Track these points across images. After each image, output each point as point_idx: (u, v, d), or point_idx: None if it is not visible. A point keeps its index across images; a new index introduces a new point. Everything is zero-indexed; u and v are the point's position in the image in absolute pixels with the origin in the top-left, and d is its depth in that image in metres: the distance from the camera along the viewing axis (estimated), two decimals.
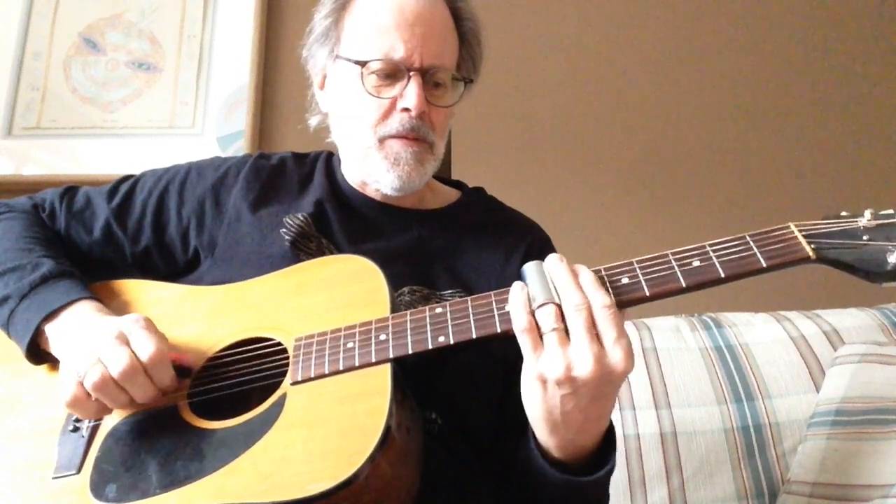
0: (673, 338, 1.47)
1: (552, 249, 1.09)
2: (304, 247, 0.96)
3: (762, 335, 1.45)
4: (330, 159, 1.12)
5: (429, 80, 0.96)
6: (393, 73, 0.96)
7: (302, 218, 0.98)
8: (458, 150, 1.98)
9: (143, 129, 1.99)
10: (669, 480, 1.30)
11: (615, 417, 1.34)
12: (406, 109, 0.95)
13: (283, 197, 1.04)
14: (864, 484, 1.16)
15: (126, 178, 1.11)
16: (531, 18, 2.13)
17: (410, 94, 0.94)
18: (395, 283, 0.92)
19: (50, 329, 0.87)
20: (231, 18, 2.08)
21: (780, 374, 1.38)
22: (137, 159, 1.95)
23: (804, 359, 1.39)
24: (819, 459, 1.21)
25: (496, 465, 0.94)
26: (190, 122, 2.00)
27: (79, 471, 0.79)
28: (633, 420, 1.36)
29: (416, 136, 0.96)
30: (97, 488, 0.76)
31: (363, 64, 0.96)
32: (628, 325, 1.51)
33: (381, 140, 0.97)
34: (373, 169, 0.98)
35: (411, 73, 0.94)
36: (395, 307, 0.80)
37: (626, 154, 2.03)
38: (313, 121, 1.11)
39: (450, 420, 0.89)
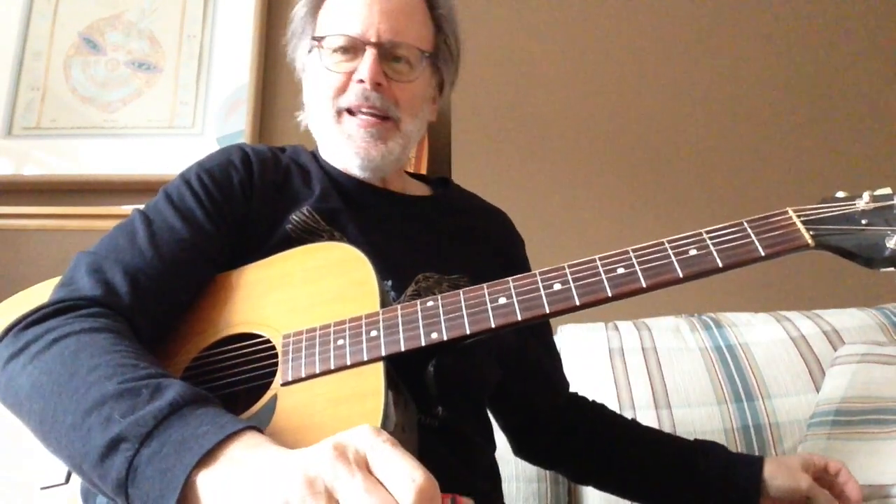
0: (673, 338, 1.47)
1: (516, 230, 1.16)
2: (312, 241, 0.92)
3: (762, 335, 1.45)
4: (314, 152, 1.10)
5: (388, 54, 0.97)
6: (351, 50, 0.97)
7: (307, 213, 0.96)
8: (457, 148, 1.98)
9: (143, 129, 1.99)
10: None
11: None
12: (361, 81, 0.95)
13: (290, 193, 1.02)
14: (864, 484, 1.15)
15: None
16: (530, 17, 2.13)
17: (364, 64, 0.95)
18: (410, 271, 0.93)
19: (204, 481, 0.57)
20: (231, 18, 2.08)
21: (780, 374, 1.38)
22: (137, 159, 1.95)
23: (804, 359, 1.39)
24: None
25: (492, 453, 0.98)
26: (190, 122, 2.00)
27: (67, 480, 0.76)
28: None
29: (371, 106, 0.95)
30: (87, 498, 0.73)
31: (320, 40, 0.98)
32: (628, 325, 1.51)
33: (339, 113, 0.97)
34: (336, 146, 0.99)
35: (367, 46, 0.95)
36: (384, 299, 0.78)
37: (622, 147, 2.03)
38: (307, 120, 1.10)
39: (453, 411, 0.88)
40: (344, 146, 0.97)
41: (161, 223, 0.87)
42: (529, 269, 1.05)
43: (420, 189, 1.11)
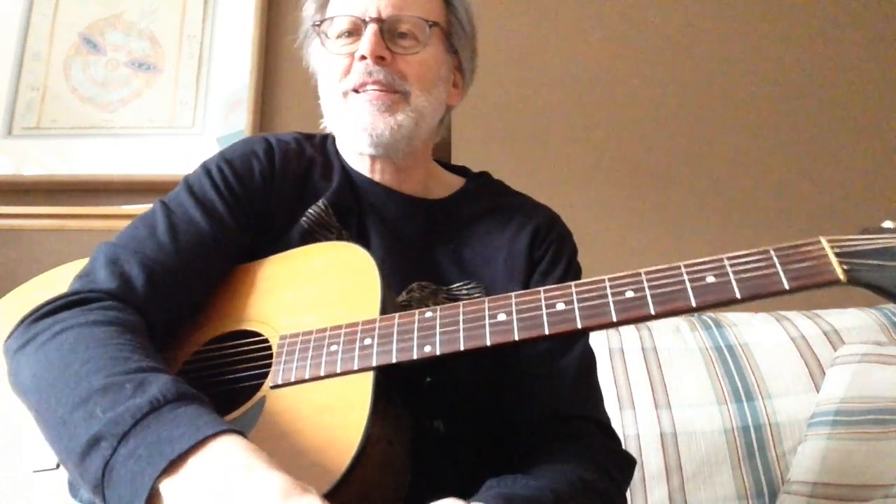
0: (673, 338, 1.47)
1: (563, 226, 1.06)
2: (322, 237, 0.93)
3: (762, 335, 1.45)
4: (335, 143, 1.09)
5: (392, 30, 0.95)
6: (354, 31, 0.95)
7: (322, 207, 0.95)
8: (458, 146, 1.97)
9: (142, 129, 1.99)
10: (669, 480, 1.30)
11: (615, 417, 1.35)
12: (363, 57, 0.93)
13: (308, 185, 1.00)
14: (864, 484, 1.16)
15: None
16: (531, 11, 2.11)
17: (364, 40, 0.93)
18: (403, 279, 0.91)
19: (168, 489, 0.57)
20: (231, 18, 2.08)
21: (780, 374, 1.38)
22: (137, 159, 1.95)
23: (804, 359, 1.39)
24: (819, 459, 1.21)
25: (500, 463, 0.90)
26: (190, 122, 1.99)
27: (58, 466, 0.76)
28: (633, 420, 1.36)
29: (376, 81, 0.93)
30: (73, 486, 0.74)
31: (320, 24, 0.97)
32: (629, 325, 1.51)
33: (345, 94, 0.95)
34: (345, 129, 0.97)
35: (368, 23, 0.94)
36: (386, 305, 0.77)
37: (636, 152, 1.97)
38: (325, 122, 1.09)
39: (454, 427, 0.86)
40: (352, 124, 0.95)
41: (181, 215, 0.88)
42: (559, 274, 0.97)
43: (446, 186, 1.06)
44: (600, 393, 0.97)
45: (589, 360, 0.98)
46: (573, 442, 0.85)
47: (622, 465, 0.88)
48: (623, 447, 0.94)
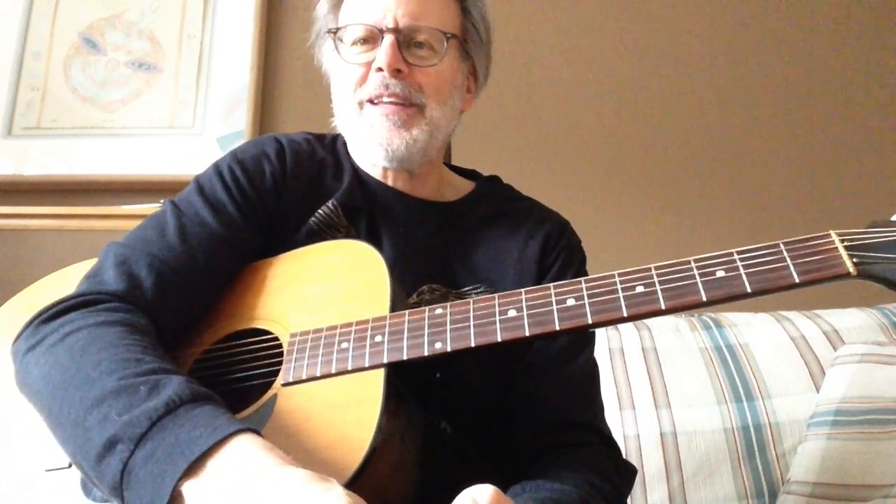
0: (673, 338, 1.47)
1: (573, 234, 1.05)
2: (331, 237, 0.92)
3: (762, 335, 1.45)
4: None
5: (408, 40, 0.94)
6: (370, 39, 0.94)
7: (332, 207, 0.95)
8: (457, 146, 1.96)
9: (142, 129, 1.99)
10: (669, 480, 1.30)
11: (615, 417, 1.35)
12: (380, 69, 0.92)
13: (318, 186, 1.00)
14: (864, 484, 1.16)
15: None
16: (532, 12, 2.11)
17: (381, 51, 0.92)
18: (414, 281, 0.91)
19: (190, 491, 0.58)
20: (231, 18, 2.08)
21: (780, 374, 1.38)
22: (137, 159, 1.95)
23: (804, 359, 1.39)
24: (819, 459, 1.21)
25: (507, 463, 0.91)
26: (190, 122, 1.99)
27: (70, 465, 0.76)
28: (633, 420, 1.36)
29: (392, 94, 0.92)
30: (86, 485, 0.75)
31: (336, 31, 0.96)
32: (628, 325, 1.51)
33: (360, 104, 0.94)
34: (360, 139, 0.96)
35: (385, 33, 0.92)
36: (395, 301, 0.77)
37: (644, 148, 1.95)
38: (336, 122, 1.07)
39: (461, 428, 0.86)
40: (367, 137, 0.94)
41: (192, 215, 0.87)
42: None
43: (456, 190, 1.06)
44: (602, 403, 0.98)
45: (593, 370, 0.99)
46: (578, 449, 0.86)
47: (624, 474, 0.89)
48: (623, 456, 0.95)
